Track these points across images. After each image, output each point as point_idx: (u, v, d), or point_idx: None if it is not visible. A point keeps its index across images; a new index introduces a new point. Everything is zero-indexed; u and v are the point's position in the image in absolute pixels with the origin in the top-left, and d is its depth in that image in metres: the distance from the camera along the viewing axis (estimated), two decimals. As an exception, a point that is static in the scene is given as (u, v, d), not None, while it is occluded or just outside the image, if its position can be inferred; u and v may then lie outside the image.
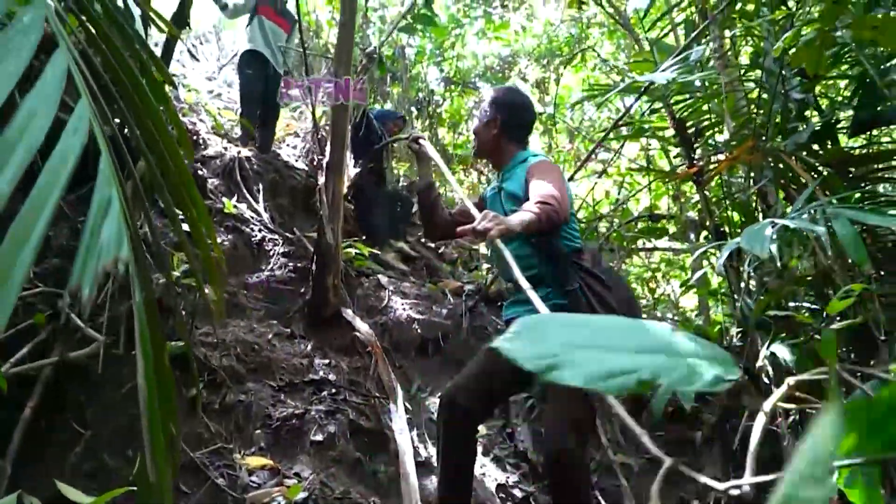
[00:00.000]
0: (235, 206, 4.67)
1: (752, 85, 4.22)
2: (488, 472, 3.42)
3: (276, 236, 4.74)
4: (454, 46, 9.93)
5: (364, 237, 5.47)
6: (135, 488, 2.10)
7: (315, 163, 6.40)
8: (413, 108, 9.21)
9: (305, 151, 6.87)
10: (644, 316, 4.69)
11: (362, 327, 3.94)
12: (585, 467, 2.44)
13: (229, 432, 2.87)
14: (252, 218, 4.77)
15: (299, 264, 4.50)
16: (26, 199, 0.83)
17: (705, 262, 5.33)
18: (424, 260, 6.03)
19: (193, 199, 1.57)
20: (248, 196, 5.06)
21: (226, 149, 5.45)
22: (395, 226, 6.08)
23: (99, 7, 1.59)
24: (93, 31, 1.39)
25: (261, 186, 5.27)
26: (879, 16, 2.83)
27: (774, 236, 2.39)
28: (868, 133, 3.75)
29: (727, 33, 4.53)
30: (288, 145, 7.02)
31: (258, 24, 6.24)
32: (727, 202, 4.35)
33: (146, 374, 0.89)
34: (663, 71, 3.41)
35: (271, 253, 4.55)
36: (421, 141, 2.75)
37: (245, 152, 5.48)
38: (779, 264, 3.27)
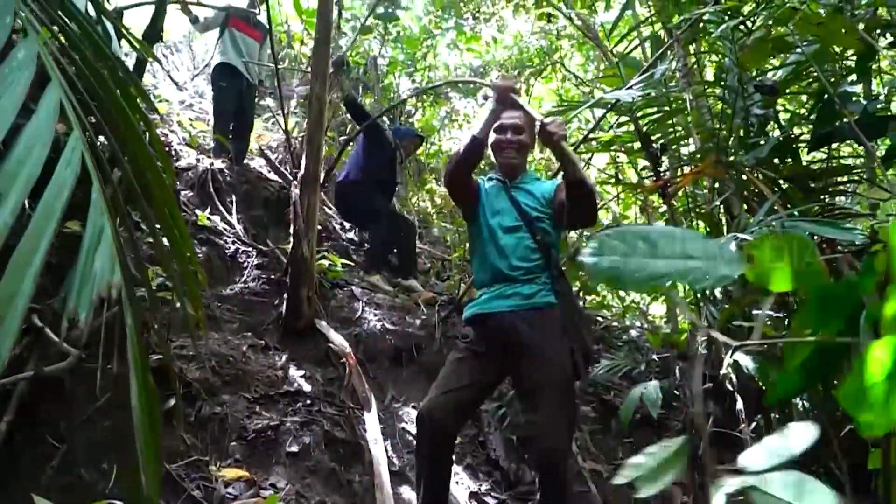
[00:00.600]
0: (209, 219, 4.67)
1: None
2: (461, 481, 3.46)
3: (250, 248, 4.75)
4: (426, 57, 10.01)
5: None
6: (113, 501, 2.12)
7: (289, 173, 6.36)
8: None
9: (279, 162, 6.87)
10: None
11: (336, 339, 3.97)
12: (570, 467, 2.60)
13: (205, 444, 2.88)
14: (225, 230, 4.77)
15: (273, 276, 4.51)
16: (20, 226, 0.87)
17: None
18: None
19: (173, 214, 1.61)
20: (221, 208, 5.06)
21: (198, 160, 5.44)
22: (391, 251, 5.64)
23: (76, 27, 1.63)
24: (66, 44, 1.43)
25: (234, 198, 5.27)
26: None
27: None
28: (828, 147, 3.88)
29: (691, 49, 4.66)
30: (261, 156, 7.01)
31: (230, 37, 6.22)
32: (693, 213, 4.47)
33: (139, 395, 0.93)
34: (630, 88, 3.51)
35: (245, 265, 4.56)
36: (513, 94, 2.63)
37: (218, 164, 5.48)
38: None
